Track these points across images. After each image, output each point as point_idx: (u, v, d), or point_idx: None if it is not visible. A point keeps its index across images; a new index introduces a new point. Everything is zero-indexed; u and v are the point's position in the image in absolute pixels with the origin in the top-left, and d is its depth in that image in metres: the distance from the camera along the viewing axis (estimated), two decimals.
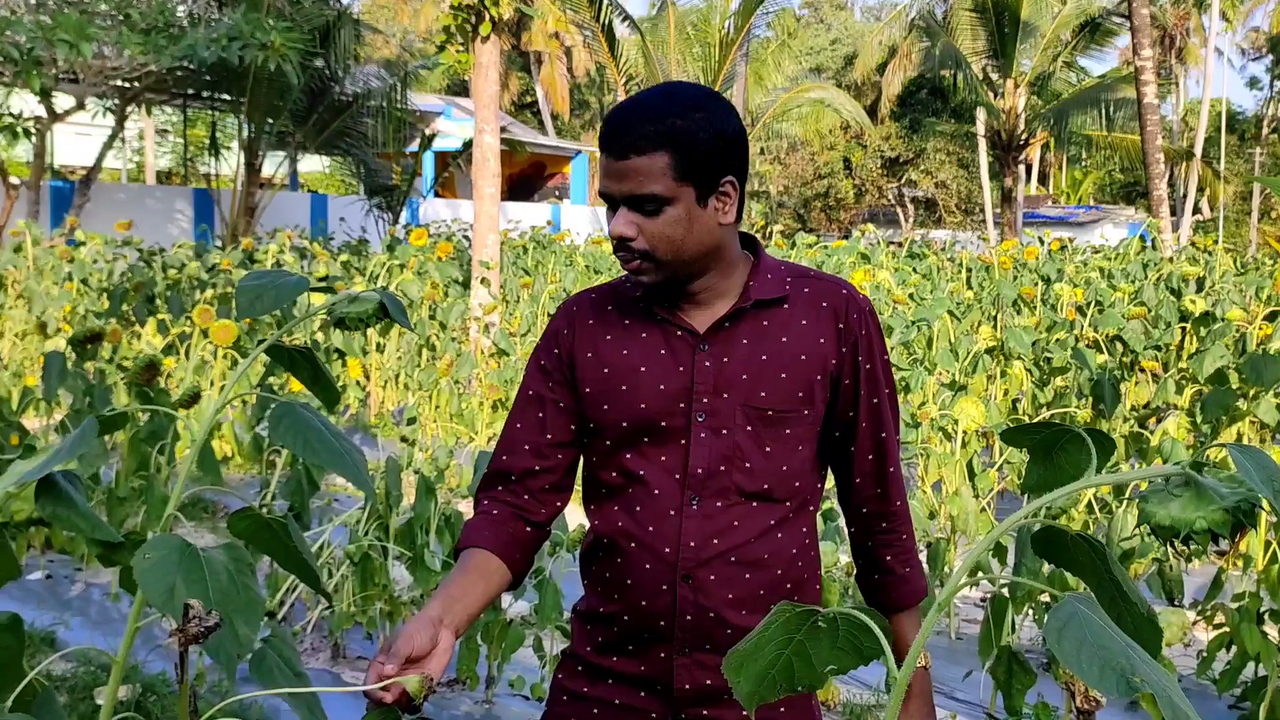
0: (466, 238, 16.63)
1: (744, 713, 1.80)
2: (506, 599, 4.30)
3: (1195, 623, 4.56)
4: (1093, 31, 26.33)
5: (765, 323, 1.82)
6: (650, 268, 1.77)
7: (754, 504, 1.81)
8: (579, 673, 1.91)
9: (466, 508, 5.76)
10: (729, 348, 1.81)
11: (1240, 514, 1.11)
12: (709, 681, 1.80)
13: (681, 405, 1.80)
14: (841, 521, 4.58)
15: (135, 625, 1.70)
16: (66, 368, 5.08)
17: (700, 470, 1.79)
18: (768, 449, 1.81)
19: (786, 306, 1.84)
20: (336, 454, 1.67)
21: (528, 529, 1.91)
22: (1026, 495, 1.24)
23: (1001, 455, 5.90)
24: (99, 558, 2.02)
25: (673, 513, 1.80)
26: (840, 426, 1.87)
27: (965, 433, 5.49)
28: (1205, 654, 4.08)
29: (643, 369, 1.83)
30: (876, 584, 1.92)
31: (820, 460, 1.90)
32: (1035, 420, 1.38)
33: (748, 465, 1.80)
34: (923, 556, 4.67)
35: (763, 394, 1.80)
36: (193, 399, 4.92)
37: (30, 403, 5.95)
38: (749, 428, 1.80)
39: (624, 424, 1.83)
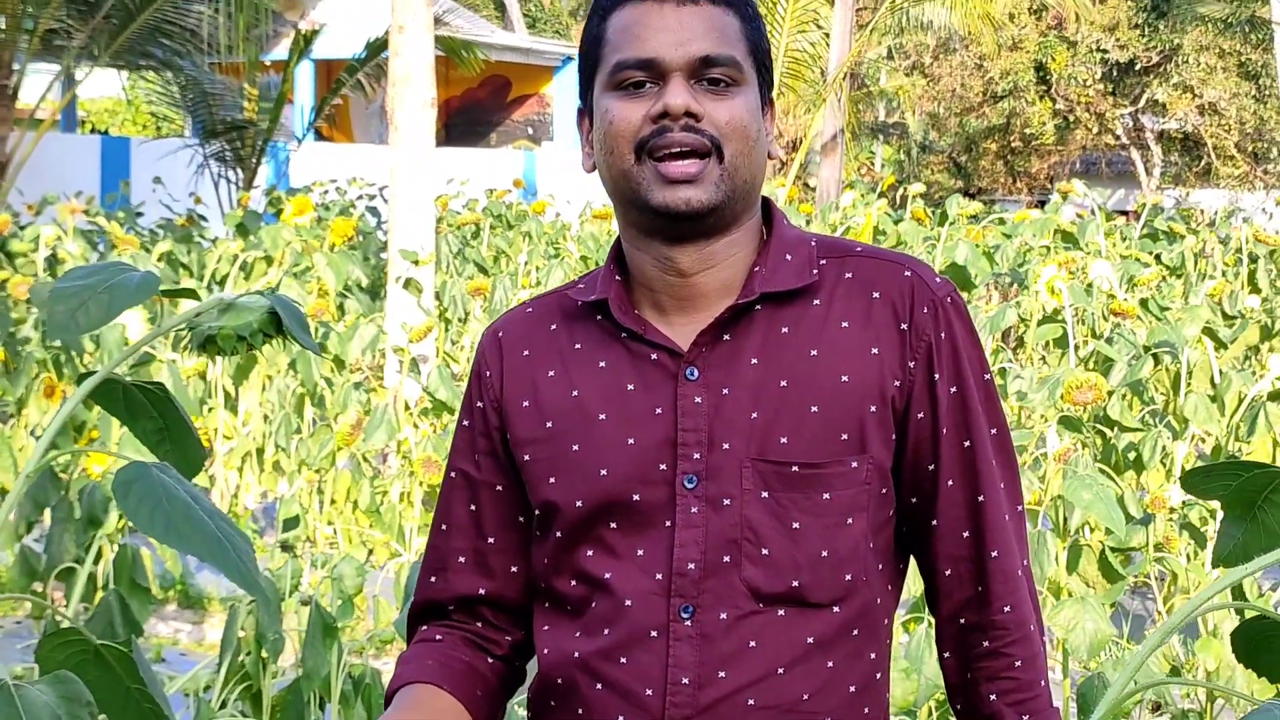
0: (374, 210, 16.95)
1: None
2: None
3: None
4: None
5: (784, 329, 2.03)
6: (712, 170, 1.99)
7: (779, 612, 1.98)
8: None
9: (387, 667, 6.05)
10: (729, 373, 2.01)
11: None
12: None
13: (662, 467, 2.00)
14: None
15: None
16: None
17: (693, 565, 1.98)
18: (795, 525, 1.98)
19: (817, 303, 2.03)
20: (214, 541, 1.90)
21: (490, 660, 2.18)
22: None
23: None
24: None
25: (654, 634, 1.98)
26: (918, 489, 2.07)
27: None
28: None
29: (601, 417, 2.04)
30: None
31: (896, 542, 2.09)
32: (1239, 461, 1.56)
33: (765, 552, 1.98)
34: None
35: (783, 441, 1.98)
36: None
37: None
38: (764, 494, 1.98)
39: (579, 504, 2.03)
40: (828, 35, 22.29)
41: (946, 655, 2.11)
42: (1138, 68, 35.65)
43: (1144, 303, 10.40)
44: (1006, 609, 2.05)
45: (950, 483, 2.04)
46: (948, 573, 2.07)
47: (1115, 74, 36.13)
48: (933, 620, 2.14)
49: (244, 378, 9.76)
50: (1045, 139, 37.10)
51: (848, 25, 22.30)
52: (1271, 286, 11.29)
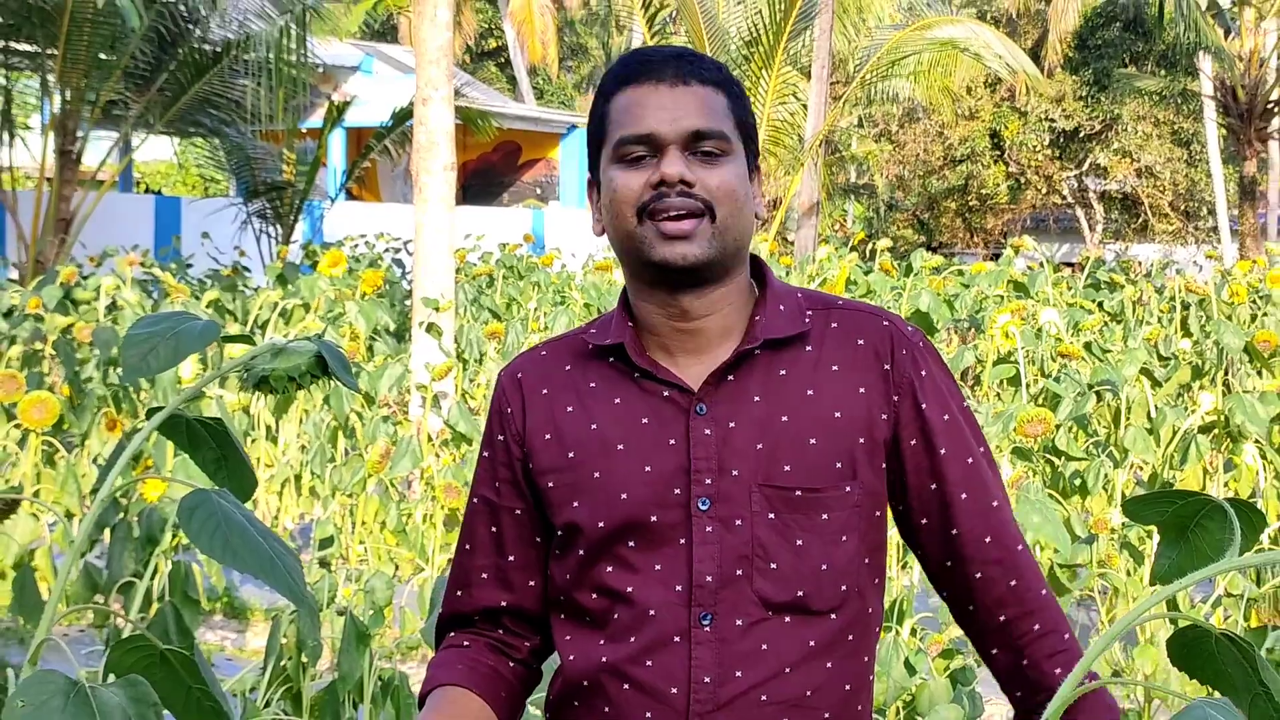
0: (400, 263, 16.99)
1: None
2: None
3: None
4: None
5: (782, 371, 2.09)
6: (705, 229, 2.04)
7: (786, 619, 2.04)
8: None
9: (414, 671, 6.07)
10: (735, 409, 2.07)
11: None
12: None
13: (677, 492, 2.05)
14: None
15: None
16: None
17: (710, 578, 2.03)
18: (799, 542, 2.04)
19: (809, 349, 2.11)
20: (266, 560, 1.92)
21: (511, 664, 2.22)
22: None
23: (1222, 585, 6.20)
24: None
25: (677, 639, 2.03)
26: (924, 508, 2.12)
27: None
28: None
29: (620, 447, 2.09)
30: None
31: (879, 561, 2.14)
32: (1173, 490, 1.62)
33: (773, 566, 2.04)
34: None
35: (786, 469, 2.05)
36: (6, 508, 5.27)
37: None
38: (771, 515, 2.04)
39: (600, 525, 2.08)
40: (805, 106, 22.35)
41: (995, 652, 2.16)
42: (1082, 135, 35.83)
43: (1088, 345, 10.46)
44: (1043, 592, 2.14)
45: (964, 496, 2.11)
46: (978, 575, 2.12)
47: (1062, 141, 36.30)
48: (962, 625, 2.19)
49: (283, 412, 9.80)
50: (999, 198, 37.23)
51: (822, 97, 22.35)
52: (1201, 331, 11.32)
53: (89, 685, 1.77)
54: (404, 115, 20.17)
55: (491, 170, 32.08)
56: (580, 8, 39.77)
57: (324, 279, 11.22)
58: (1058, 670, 2.08)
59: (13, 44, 18.68)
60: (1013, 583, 2.11)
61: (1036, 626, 2.11)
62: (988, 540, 2.11)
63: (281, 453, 9.73)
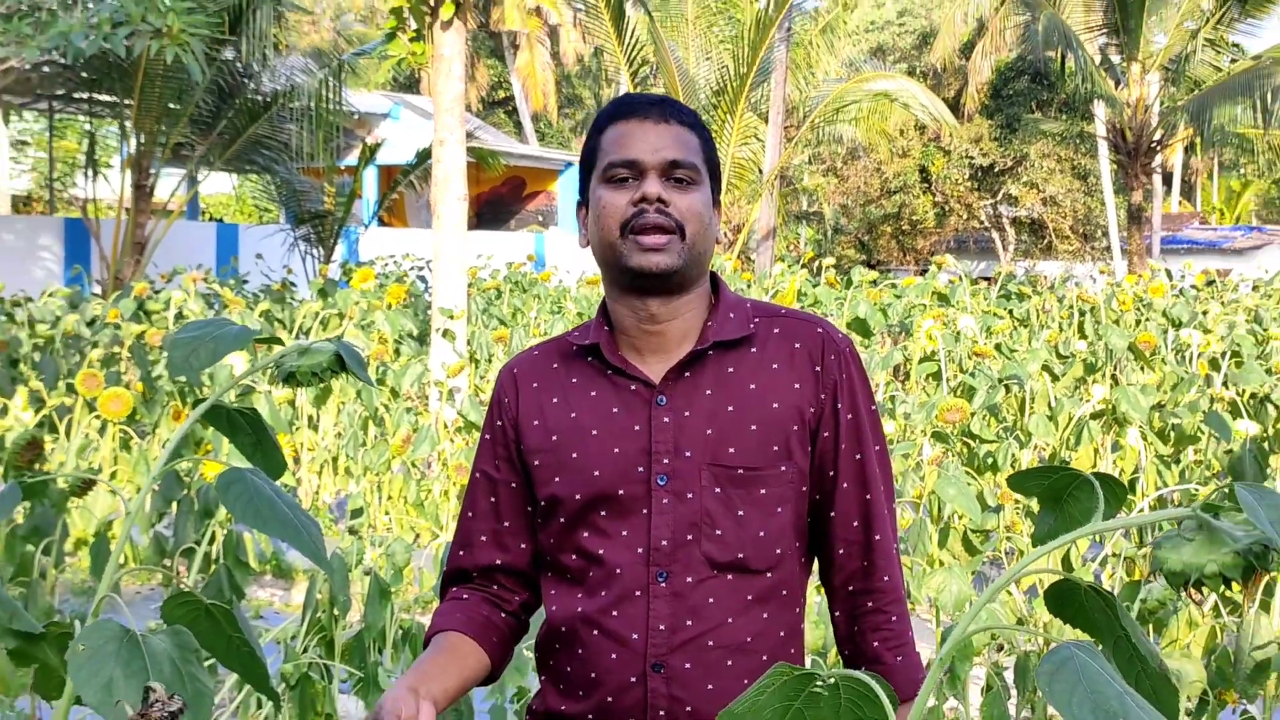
0: (422, 278, 16.99)
1: None
2: None
3: None
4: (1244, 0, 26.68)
5: (730, 369, 2.11)
6: (675, 244, 2.07)
7: (729, 577, 2.07)
8: None
9: (428, 621, 6.06)
10: (689, 400, 2.10)
11: (1253, 557, 1.43)
12: None
13: (640, 470, 2.08)
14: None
15: None
16: None
17: (665, 541, 2.06)
18: (740, 513, 2.07)
19: (754, 350, 2.13)
20: (291, 527, 1.94)
21: (503, 615, 2.23)
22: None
23: (1105, 546, 6.20)
24: (11, 654, 2.33)
25: (638, 593, 2.06)
26: (820, 488, 2.14)
27: None
28: None
29: (594, 432, 2.11)
30: None
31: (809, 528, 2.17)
32: (1050, 466, 1.64)
33: (718, 533, 2.06)
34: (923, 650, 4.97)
35: (731, 451, 2.07)
36: (85, 485, 5.26)
37: None
38: (717, 490, 2.07)
39: (577, 497, 2.10)
40: (764, 145, 22.41)
41: (838, 614, 2.19)
42: (996, 170, 35.87)
43: (998, 346, 10.49)
44: (886, 578, 2.15)
45: (846, 485, 2.13)
46: (841, 551, 2.15)
47: (979, 175, 36.34)
48: (824, 586, 2.22)
49: (322, 404, 9.80)
50: (927, 223, 37.29)
51: (778, 139, 22.39)
52: (1094, 334, 11.37)
53: (140, 633, 1.78)
54: (425, 155, 20.11)
55: (500, 200, 32.05)
56: (575, 64, 39.72)
57: (357, 292, 11.22)
58: (876, 644, 2.12)
59: (96, 95, 18.76)
60: (865, 564, 2.14)
61: (871, 604, 2.14)
62: (855, 524, 2.14)
63: (321, 439, 9.73)
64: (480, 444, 2.26)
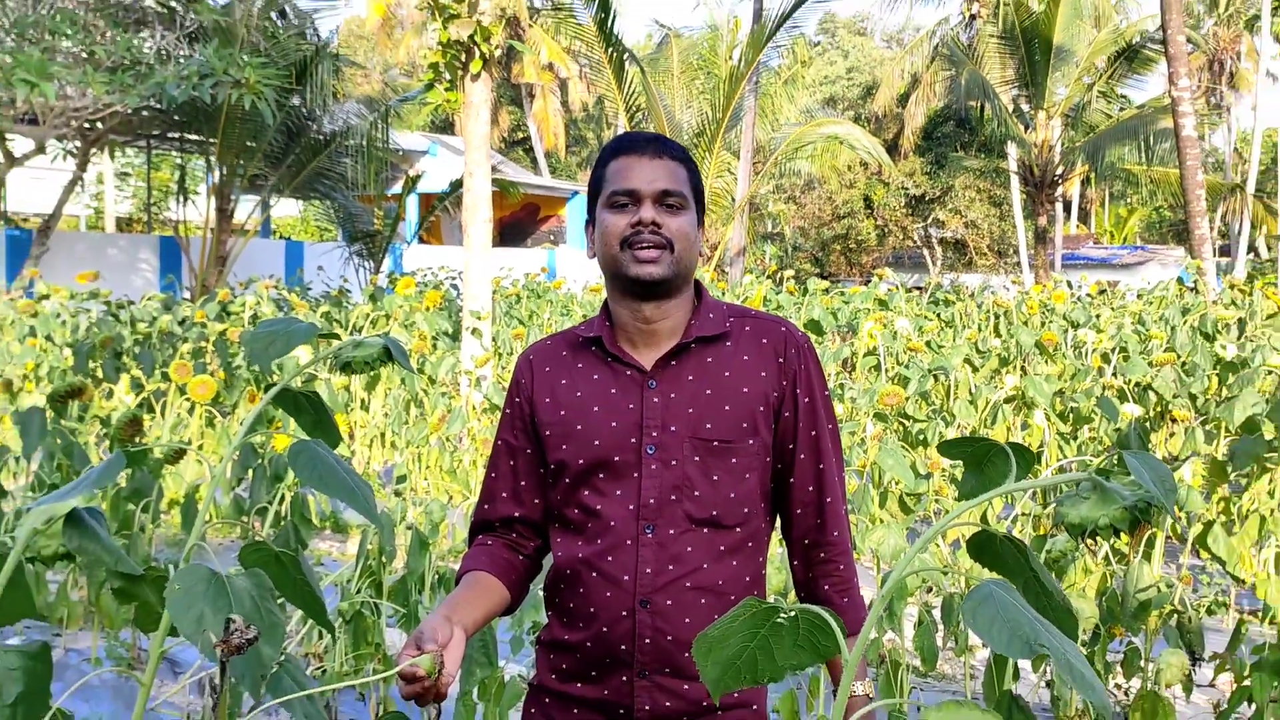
0: (455, 286, 16.98)
1: None
2: (502, 659, 4.60)
3: (1215, 676, 4.84)
4: (1130, 59, 26.76)
5: (709, 359, 2.12)
6: (666, 258, 2.08)
7: (705, 530, 2.07)
8: (545, 704, 2.18)
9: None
10: (675, 384, 2.11)
11: (1138, 512, 1.44)
12: (668, 704, 2.06)
13: (633, 440, 2.08)
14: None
15: (160, 651, 2.02)
16: (46, 425, 5.41)
17: (652, 500, 2.06)
18: (715, 478, 2.08)
19: (729, 344, 2.14)
20: (349, 489, 1.94)
21: (520, 557, 2.24)
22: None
23: (1017, 507, 6.21)
24: (116, 592, 2.32)
25: (629, 542, 2.07)
26: (781, 459, 2.15)
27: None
28: (1225, 708, 4.37)
29: (596, 408, 2.12)
30: None
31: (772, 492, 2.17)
32: (974, 437, 1.66)
33: (697, 494, 2.07)
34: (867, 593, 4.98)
35: (708, 426, 2.08)
36: (177, 455, 5.25)
37: (2, 462, 6.27)
38: (696, 458, 2.07)
39: (581, 461, 2.11)
40: (736, 178, 22.43)
41: (795, 563, 2.20)
42: (927, 199, 35.91)
43: (928, 343, 10.49)
44: (836, 533, 2.16)
45: (803, 456, 2.14)
46: (798, 511, 2.16)
47: (913, 202, 36.38)
48: (784, 540, 2.23)
49: (372, 389, 9.79)
50: (870, 242, 37.30)
51: (748, 172, 22.40)
52: (1007, 333, 11.39)
53: (225, 576, 1.80)
54: (457, 184, 20.12)
55: (519, 223, 32.04)
56: (581, 110, 39.67)
57: (401, 298, 11.21)
58: (827, 588, 2.14)
59: (186, 135, 18.75)
60: (818, 521, 2.16)
61: (823, 555, 2.16)
62: (810, 489, 2.15)
63: (371, 418, 9.72)
64: (502, 417, 2.27)
